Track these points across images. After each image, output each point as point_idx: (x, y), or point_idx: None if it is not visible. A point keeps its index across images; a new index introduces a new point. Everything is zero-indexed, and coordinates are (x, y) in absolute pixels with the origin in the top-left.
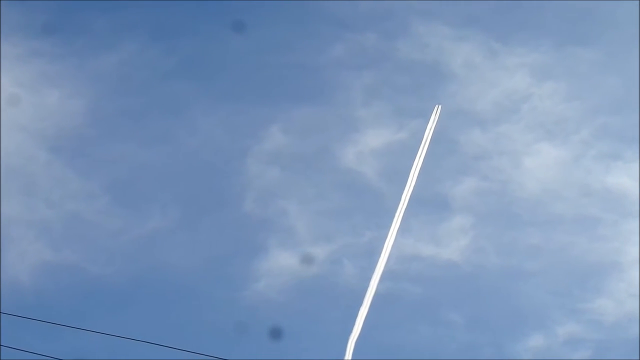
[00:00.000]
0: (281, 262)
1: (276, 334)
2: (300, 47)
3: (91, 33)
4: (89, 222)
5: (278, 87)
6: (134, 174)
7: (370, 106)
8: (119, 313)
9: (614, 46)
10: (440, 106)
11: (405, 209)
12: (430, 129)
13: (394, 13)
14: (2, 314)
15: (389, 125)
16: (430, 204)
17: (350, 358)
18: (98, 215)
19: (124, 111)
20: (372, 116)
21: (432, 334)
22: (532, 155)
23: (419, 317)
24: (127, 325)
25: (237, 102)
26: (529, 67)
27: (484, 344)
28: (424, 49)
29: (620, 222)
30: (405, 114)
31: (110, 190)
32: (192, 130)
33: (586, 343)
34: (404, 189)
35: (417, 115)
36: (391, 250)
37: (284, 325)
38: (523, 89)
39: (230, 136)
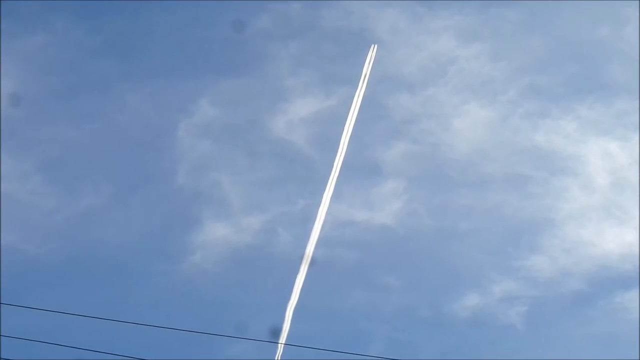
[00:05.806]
0: (216, 234)
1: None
2: (225, 20)
3: (16, 14)
4: (22, 202)
5: (205, 60)
6: (65, 153)
7: (298, 75)
8: (56, 291)
9: (536, 6)
10: (376, 46)
11: (338, 175)
12: (367, 72)
13: None
14: None
15: (317, 93)
16: (362, 170)
17: (289, 325)
18: (31, 195)
19: (52, 91)
20: (300, 85)
21: (369, 298)
22: (461, 117)
23: (355, 282)
24: (65, 303)
25: (164, 78)
26: (453, 29)
27: (420, 305)
28: (349, 16)
29: (550, 179)
30: (332, 81)
31: (42, 170)
32: (120, 107)
33: (522, 299)
34: (335, 156)
35: (345, 83)
36: (325, 217)
37: (222, 295)
38: (449, 52)
39: (159, 111)
